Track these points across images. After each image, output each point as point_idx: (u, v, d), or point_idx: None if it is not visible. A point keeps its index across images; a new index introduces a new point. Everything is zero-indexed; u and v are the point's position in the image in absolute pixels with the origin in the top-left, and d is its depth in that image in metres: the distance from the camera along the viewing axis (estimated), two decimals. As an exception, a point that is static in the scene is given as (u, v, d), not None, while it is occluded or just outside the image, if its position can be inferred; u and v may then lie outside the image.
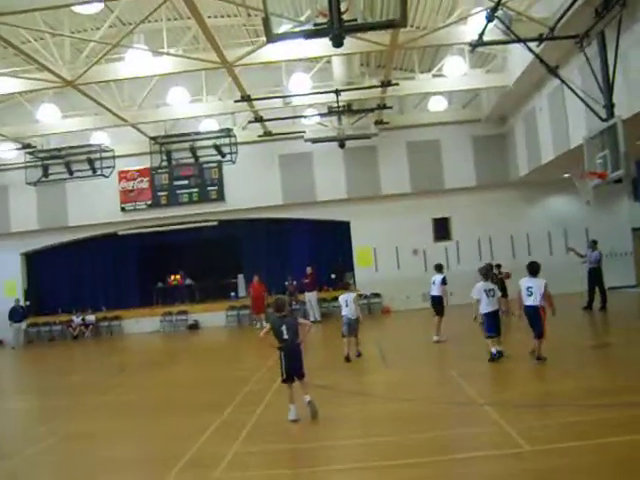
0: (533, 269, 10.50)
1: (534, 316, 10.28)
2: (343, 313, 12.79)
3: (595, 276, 17.37)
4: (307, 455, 6.83)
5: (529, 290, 10.30)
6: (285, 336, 8.08)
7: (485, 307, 11.08)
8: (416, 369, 11.45)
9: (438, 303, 14.09)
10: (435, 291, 14.18)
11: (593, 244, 17.97)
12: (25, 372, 18.41)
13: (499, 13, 12.80)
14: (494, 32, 13.62)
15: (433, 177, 23.06)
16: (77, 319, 24.22)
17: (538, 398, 8.27)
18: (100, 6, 13.82)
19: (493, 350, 10.92)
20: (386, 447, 6.72)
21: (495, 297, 11.18)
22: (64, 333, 24.44)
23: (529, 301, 10.30)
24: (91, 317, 24.38)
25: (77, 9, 13.77)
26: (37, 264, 25.77)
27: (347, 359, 12.39)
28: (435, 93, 21.04)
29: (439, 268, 14.51)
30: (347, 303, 12.66)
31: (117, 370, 14.74)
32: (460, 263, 22.87)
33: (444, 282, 14.10)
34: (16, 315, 23.26)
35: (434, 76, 19.28)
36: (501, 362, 10.81)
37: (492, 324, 11.06)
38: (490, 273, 12.10)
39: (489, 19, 12.75)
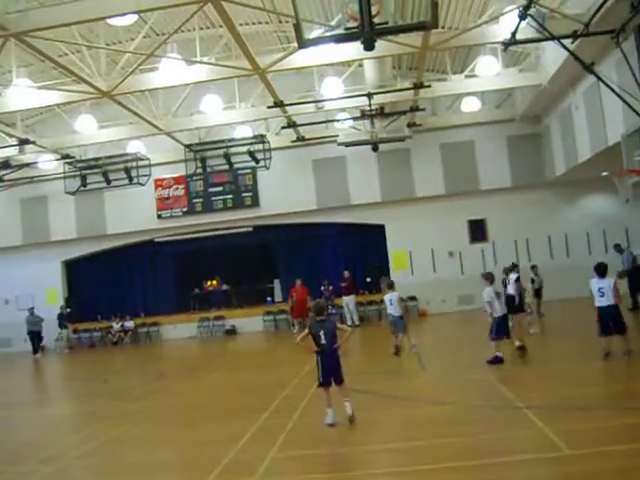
0: (601, 270, 10.69)
1: (613, 314, 10.40)
2: (388, 312, 13.24)
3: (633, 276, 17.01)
4: (345, 460, 6.82)
5: (601, 291, 10.46)
6: (323, 341, 8.07)
7: (500, 310, 11.54)
8: (454, 373, 11.34)
9: (512, 302, 13.94)
10: (510, 290, 14.13)
11: (617, 247, 17.69)
12: (66, 378, 18.73)
13: (532, 11, 12.62)
14: (527, 30, 13.44)
15: (468, 178, 22.87)
16: (116, 325, 24.60)
17: (580, 401, 8.11)
18: (134, 17, 14.02)
19: (499, 354, 11.31)
20: (425, 451, 6.67)
21: (502, 300, 11.81)
22: (104, 339, 24.85)
23: (603, 302, 10.42)
24: (129, 323, 24.73)
25: (112, 21, 14.03)
26: (77, 272, 26.26)
27: (396, 352, 12.88)
28: (468, 94, 20.89)
29: (512, 268, 14.83)
30: (391, 302, 13.03)
31: (155, 376, 14.90)
32: (497, 265, 22.55)
33: (518, 280, 14.23)
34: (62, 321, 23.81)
35: (467, 77, 19.15)
36: (538, 364, 10.68)
37: (503, 327, 11.51)
38: (492, 277, 12.20)
39: (522, 17, 12.59)
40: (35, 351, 22.84)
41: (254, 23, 19.49)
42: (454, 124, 22.82)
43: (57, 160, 21.43)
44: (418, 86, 17.94)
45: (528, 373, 10.63)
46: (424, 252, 23.38)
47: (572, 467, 5.75)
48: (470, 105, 21.73)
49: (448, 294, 22.77)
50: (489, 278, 11.99)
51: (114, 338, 24.43)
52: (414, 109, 19.83)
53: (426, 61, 17.54)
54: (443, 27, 17.77)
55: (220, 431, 8.50)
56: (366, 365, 13.79)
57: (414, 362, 12.56)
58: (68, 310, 25.15)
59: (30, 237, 25.31)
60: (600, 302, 10.43)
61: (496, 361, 11.23)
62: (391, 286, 13.79)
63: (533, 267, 17.40)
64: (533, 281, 16.93)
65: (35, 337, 23.11)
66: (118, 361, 21.16)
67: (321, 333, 8.10)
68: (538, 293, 16.99)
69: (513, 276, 14.24)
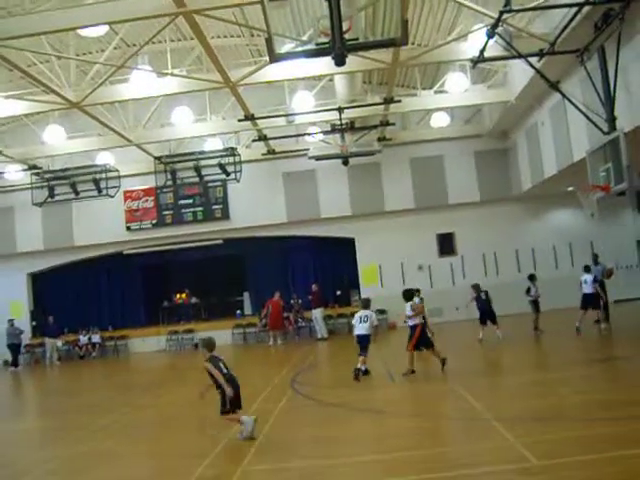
0: (588, 268, 12.25)
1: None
2: (357, 333, 12.38)
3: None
4: (316, 472, 6.80)
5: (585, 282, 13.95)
6: (224, 370, 8.39)
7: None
8: (422, 385, 11.43)
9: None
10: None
11: (595, 258, 18.01)
12: (31, 392, 18.41)
13: (499, 29, 12.92)
14: (495, 48, 13.76)
15: (437, 193, 23.15)
16: (83, 338, 24.24)
17: (548, 412, 8.22)
18: (105, 28, 13.99)
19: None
20: (395, 463, 6.69)
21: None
22: (70, 353, 24.46)
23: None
24: (97, 336, 24.39)
25: (82, 32, 13.98)
26: (43, 284, 25.85)
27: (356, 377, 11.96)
28: (437, 109, 21.19)
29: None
30: (365, 319, 12.28)
31: (123, 389, 14.73)
32: (465, 278, 22.83)
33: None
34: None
35: (436, 92, 19.44)
36: (509, 375, 10.81)
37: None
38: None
39: (490, 35, 12.88)
40: (14, 364, 22.36)
41: (226, 36, 19.56)
42: (424, 139, 23.12)
43: (24, 171, 21.17)
44: (388, 101, 18.15)
45: (496, 384, 10.75)
46: (394, 265, 23.54)
47: (540, 477, 5.82)
48: (439, 120, 22.04)
49: (417, 307, 22.90)
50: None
51: (81, 352, 24.06)
52: (384, 124, 20.04)
53: (396, 76, 17.75)
54: (413, 43, 18.04)
55: (190, 445, 8.43)
56: (335, 378, 13.80)
57: (382, 375, 12.63)
58: (34, 324, 24.75)
59: (-5, 249, 24.86)
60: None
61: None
62: (366, 304, 13.13)
63: (531, 277, 16.66)
64: (529, 290, 16.44)
65: (15, 349, 22.65)
66: (85, 375, 20.83)
67: (221, 365, 8.44)
68: (536, 306, 16.42)
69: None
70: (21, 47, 13.52)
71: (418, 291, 14.98)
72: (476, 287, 16.08)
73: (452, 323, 21.58)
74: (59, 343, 23.92)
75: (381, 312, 22.96)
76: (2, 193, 23.53)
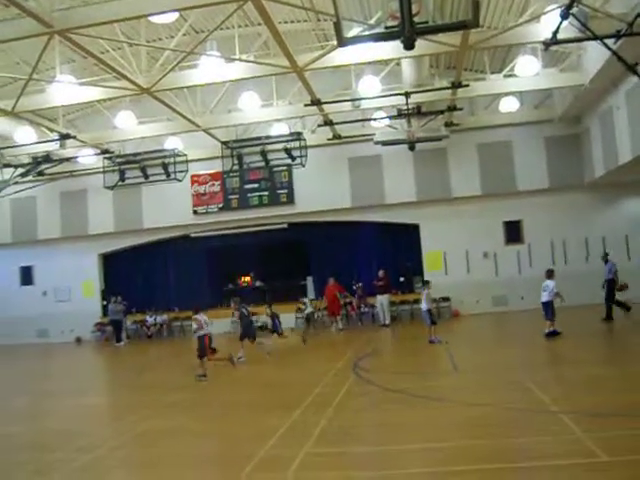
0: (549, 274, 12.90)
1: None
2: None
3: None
4: (378, 458, 6.82)
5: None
6: None
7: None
8: (487, 374, 11.26)
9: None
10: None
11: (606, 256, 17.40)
12: (104, 369, 19.07)
13: (574, 10, 12.45)
14: (569, 30, 13.27)
15: (504, 179, 22.66)
16: (150, 319, 24.91)
17: (615, 407, 7.98)
18: (175, 15, 14.21)
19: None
20: (454, 453, 6.64)
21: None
22: (138, 332, 25.18)
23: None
24: (164, 317, 25.01)
25: (153, 19, 14.23)
26: (113, 265, 26.67)
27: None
28: (507, 94, 20.67)
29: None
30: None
31: (189, 368, 15.05)
32: (532, 267, 22.33)
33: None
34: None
35: (505, 76, 18.95)
36: (577, 368, 10.57)
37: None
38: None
39: (564, 17, 12.40)
40: (118, 339, 23.14)
41: (292, 21, 19.57)
42: (492, 124, 22.62)
43: (97, 155, 21.76)
44: (456, 85, 17.80)
45: (565, 376, 10.50)
46: (458, 252, 23.22)
47: (610, 474, 5.67)
48: (508, 105, 21.49)
49: (482, 295, 22.61)
50: None
51: (149, 331, 24.73)
52: (452, 108, 19.66)
53: (465, 60, 17.40)
54: (482, 26, 17.60)
55: (253, 426, 8.57)
56: (398, 364, 13.77)
57: (447, 362, 12.52)
58: (105, 303, 25.57)
59: (69, 230, 25.81)
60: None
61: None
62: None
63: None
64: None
65: (117, 326, 23.46)
66: (152, 354, 21.42)
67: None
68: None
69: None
70: (95, 35, 13.88)
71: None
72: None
73: (517, 312, 21.19)
74: (127, 323, 24.66)
75: (444, 299, 22.80)
76: (76, 177, 24.27)
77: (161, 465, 7.19)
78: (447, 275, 23.29)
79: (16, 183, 20.73)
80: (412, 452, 6.93)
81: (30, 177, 21.29)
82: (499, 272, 22.95)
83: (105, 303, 25.65)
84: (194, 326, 13.66)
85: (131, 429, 8.98)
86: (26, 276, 26.91)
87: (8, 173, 20.36)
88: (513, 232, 23.24)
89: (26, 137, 19.96)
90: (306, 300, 22.00)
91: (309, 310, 21.57)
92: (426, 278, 21.42)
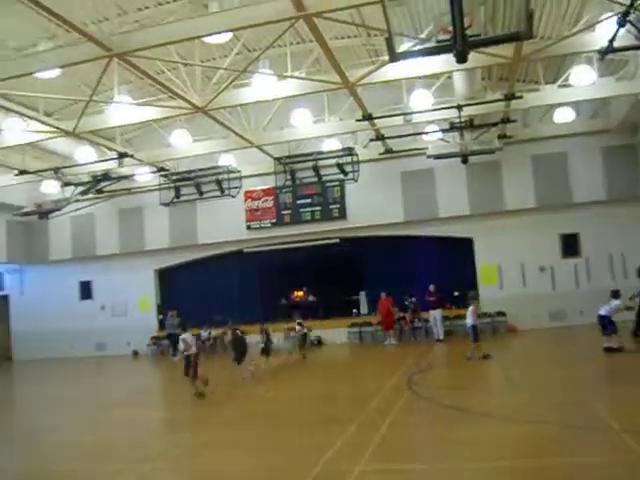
0: None
1: None
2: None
3: None
4: (434, 476, 6.74)
5: None
6: None
7: None
8: (545, 391, 11.00)
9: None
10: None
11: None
12: (160, 382, 19.37)
13: (631, 17, 12.19)
14: (626, 37, 12.99)
15: (560, 191, 22.17)
16: (204, 333, 25.18)
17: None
18: (229, 36, 14.48)
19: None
20: (515, 471, 6.52)
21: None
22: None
23: None
24: (217, 331, 25.25)
25: (207, 40, 14.55)
26: (168, 280, 27.15)
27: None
28: (561, 104, 20.29)
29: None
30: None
31: (241, 382, 15.18)
32: (590, 281, 21.77)
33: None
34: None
35: (560, 86, 18.62)
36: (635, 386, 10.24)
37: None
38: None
39: (620, 24, 12.16)
40: (174, 353, 23.51)
41: (343, 37, 19.68)
42: (546, 135, 22.19)
43: (153, 173, 22.27)
44: (509, 97, 17.59)
45: (627, 394, 10.19)
46: (514, 266, 22.82)
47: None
48: (563, 116, 21.07)
49: (539, 310, 22.12)
50: None
51: (203, 345, 24.99)
52: (505, 121, 19.45)
53: (518, 71, 17.19)
54: (536, 36, 17.38)
55: (308, 441, 8.58)
56: (453, 380, 13.59)
57: (503, 379, 12.30)
58: (160, 317, 26.02)
59: (126, 246, 26.45)
60: None
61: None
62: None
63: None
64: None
65: (174, 340, 23.83)
66: (206, 367, 21.62)
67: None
68: None
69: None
70: (151, 56, 14.27)
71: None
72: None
73: (576, 327, 20.65)
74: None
75: (500, 314, 22.41)
76: (133, 194, 24.90)
77: (216, 477, 7.25)
78: (502, 289, 22.90)
79: (76, 201, 21.41)
80: (469, 471, 6.82)
81: (89, 195, 21.92)
82: (556, 286, 22.43)
83: (161, 318, 26.11)
84: (181, 346, 13.75)
85: (187, 441, 9.11)
86: (85, 291, 27.67)
87: (69, 191, 21.07)
88: (570, 245, 22.67)
89: (86, 156, 20.61)
90: (300, 321, 22.02)
91: (303, 331, 21.83)
92: (471, 293, 21.20)
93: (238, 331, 15.86)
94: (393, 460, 7.26)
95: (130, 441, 9.59)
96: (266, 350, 17.20)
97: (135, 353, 25.77)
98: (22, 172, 20.66)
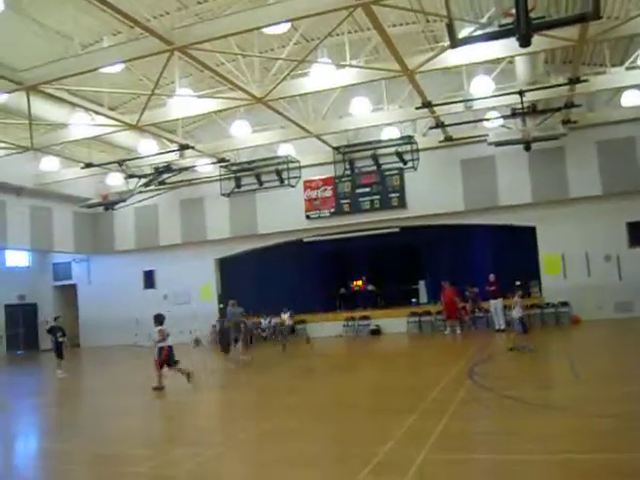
0: None
1: None
2: None
3: None
4: (499, 468, 6.65)
5: None
6: None
7: None
8: (611, 383, 10.67)
9: None
10: None
11: None
12: (223, 370, 19.70)
13: None
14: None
15: (627, 177, 21.46)
16: (265, 322, 25.50)
17: None
18: (287, 26, 14.52)
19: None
20: (579, 465, 6.36)
21: None
22: (253, 334, 25.81)
23: None
24: (277, 320, 25.52)
25: (265, 30, 14.64)
26: (228, 270, 27.59)
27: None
28: (629, 87, 19.58)
29: None
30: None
31: (305, 371, 15.32)
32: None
33: None
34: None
35: (628, 69, 17.99)
36: None
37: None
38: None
39: (693, 3, 11.69)
40: (236, 341, 23.83)
41: (401, 24, 19.46)
42: (613, 120, 21.49)
43: (213, 164, 22.62)
44: (574, 81, 17.08)
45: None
46: (578, 255, 22.27)
47: None
48: (631, 99, 20.33)
49: (604, 300, 21.52)
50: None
51: (264, 333, 25.34)
52: (569, 105, 18.89)
53: (583, 54, 16.67)
54: (602, 17, 16.80)
55: (370, 429, 8.59)
56: (514, 371, 13.37)
57: (567, 370, 12.04)
58: (221, 306, 26.43)
59: (188, 236, 27.02)
60: None
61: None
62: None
63: None
64: None
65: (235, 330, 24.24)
66: (267, 355, 21.91)
67: None
68: None
69: None
70: (211, 49, 14.46)
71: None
72: None
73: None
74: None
75: (563, 304, 21.93)
76: (194, 185, 25.37)
77: (277, 465, 7.34)
78: (566, 279, 22.40)
79: (140, 192, 21.95)
80: (531, 463, 6.70)
81: (152, 186, 22.44)
82: (623, 276, 21.77)
83: (222, 306, 26.53)
84: (157, 337, 14.09)
85: (252, 428, 9.26)
86: (149, 280, 28.48)
87: (132, 183, 21.61)
88: (637, 234, 21.95)
89: (148, 149, 21.13)
90: (288, 312, 23.04)
91: (290, 322, 22.78)
92: (517, 283, 20.75)
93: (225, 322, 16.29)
94: (455, 450, 7.19)
95: (197, 426, 9.86)
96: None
97: (197, 341, 26.26)
98: (88, 165, 21.33)
